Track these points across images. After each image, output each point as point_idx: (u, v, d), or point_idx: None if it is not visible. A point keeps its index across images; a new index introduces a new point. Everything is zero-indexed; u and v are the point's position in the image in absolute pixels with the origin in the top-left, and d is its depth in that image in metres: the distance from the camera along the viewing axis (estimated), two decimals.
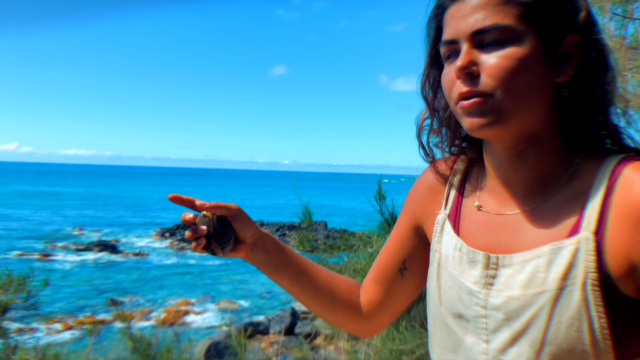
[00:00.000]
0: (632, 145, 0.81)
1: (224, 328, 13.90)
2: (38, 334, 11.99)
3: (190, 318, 16.49)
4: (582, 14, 0.77)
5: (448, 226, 0.93)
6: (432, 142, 0.96)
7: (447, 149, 0.95)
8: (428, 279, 0.96)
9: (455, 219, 0.93)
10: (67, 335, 13.79)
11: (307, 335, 10.61)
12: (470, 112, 0.76)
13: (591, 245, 0.72)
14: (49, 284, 3.13)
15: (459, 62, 0.76)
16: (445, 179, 0.98)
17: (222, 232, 0.96)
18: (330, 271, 1.12)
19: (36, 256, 24.84)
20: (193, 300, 18.29)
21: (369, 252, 3.17)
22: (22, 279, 2.88)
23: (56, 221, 39.34)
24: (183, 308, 17.36)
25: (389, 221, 3.12)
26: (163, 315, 16.42)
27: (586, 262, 0.72)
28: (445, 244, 0.92)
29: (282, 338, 12.63)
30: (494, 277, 0.81)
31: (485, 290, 0.82)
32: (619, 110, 0.81)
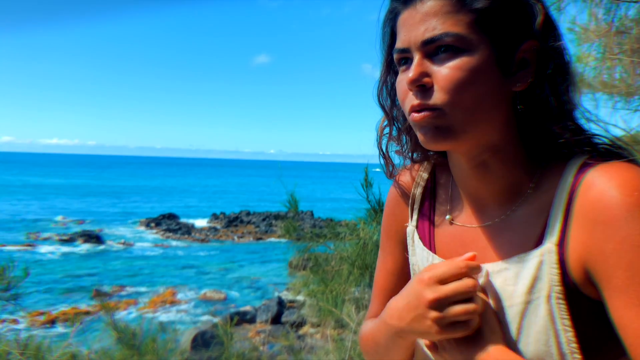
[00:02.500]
0: (600, 141, 0.78)
1: (211, 317, 13.90)
2: (20, 326, 11.86)
3: (176, 308, 16.44)
4: (539, 19, 0.73)
5: (417, 237, 0.92)
6: (392, 149, 0.93)
7: (409, 155, 0.93)
8: None
9: (429, 231, 0.92)
10: (52, 327, 13.66)
11: (294, 324, 10.66)
12: (421, 125, 0.75)
13: (554, 257, 0.71)
14: (29, 274, 3.07)
15: (410, 73, 0.73)
16: (409, 190, 0.96)
17: None
18: None
19: (19, 247, 24.51)
20: (179, 290, 18.23)
21: (355, 241, 3.17)
22: (2, 269, 2.82)
23: (39, 212, 38.82)
24: (169, 298, 17.30)
25: (376, 209, 3.11)
26: (148, 305, 16.35)
27: (550, 275, 0.71)
28: (419, 256, 0.91)
29: (268, 327, 12.67)
30: None
31: None
32: (584, 114, 0.77)
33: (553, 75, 0.74)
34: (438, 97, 0.72)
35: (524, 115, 0.77)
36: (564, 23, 2.13)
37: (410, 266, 0.95)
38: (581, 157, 0.75)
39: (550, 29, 0.75)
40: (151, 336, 4.18)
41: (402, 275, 0.98)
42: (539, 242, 0.74)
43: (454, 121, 0.73)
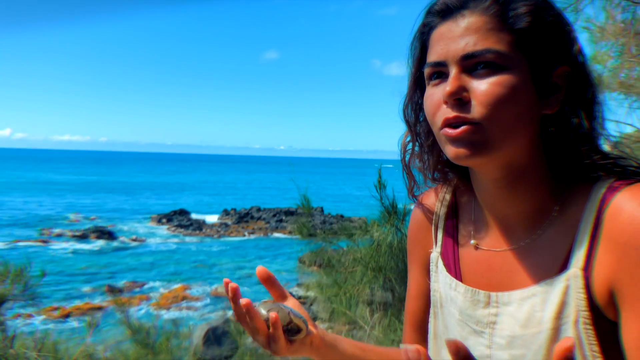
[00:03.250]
0: (626, 163, 0.78)
1: (223, 313, 13.98)
2: (35, 321, 12.03)
3: (188, 303, 16.56)
4: (577, 47, 0.75)
5: (441, 264, 0.91)
6: (414, 167, 0.92)
7: (429, 175, 0.91)
8: (430, 320, 0.94)
9: (453, 256, 0.91)
10: (65, 321, 13.83)
11: None
12: (456, 140, 0.72)
13: (580, 282, 0.70)
14: (46, 275, 3.11)
15: (448, 87, 0.71)
16: (432, 213, 0.95)
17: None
18: (380, 347, 1.03)
19: (33, 243, 24.82)
20: (191, 286, 18.36)
21: (368, 241, 3.16)
22: (20, 269, 2.85)
23: (52, 208, 39.24)
24: (181, 294, 17.43)
25: (389, 210, 3.10)
26: (161, 301, 16.48)
27: (577, 300, 0.70)
28: (442, 283, 0.90)
29: None
30: (496, 315, 0.80)
31: (489, 330, 0.80)
32: (607, 139, 0.78)
33: (583, 100, 0.75)
34: (477, 111, 0.71)
35: (550, 137, 0.77)
36: (579, 22, 2.10)
37: (432, 292, 0.94)
38: (607, 180, 0.74)
39: (582, 56, 0.76)
40: (165, 334, 4.21)
41: (426, 299, 0.97)
42: (564, 266, 0.73)
43: (490, 137, 0.72)
